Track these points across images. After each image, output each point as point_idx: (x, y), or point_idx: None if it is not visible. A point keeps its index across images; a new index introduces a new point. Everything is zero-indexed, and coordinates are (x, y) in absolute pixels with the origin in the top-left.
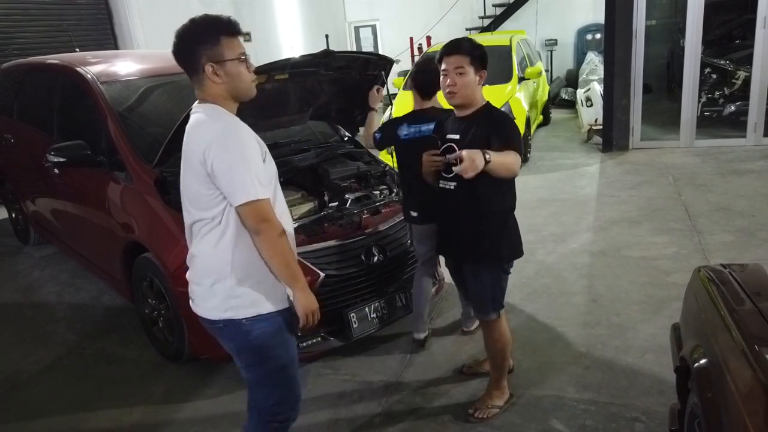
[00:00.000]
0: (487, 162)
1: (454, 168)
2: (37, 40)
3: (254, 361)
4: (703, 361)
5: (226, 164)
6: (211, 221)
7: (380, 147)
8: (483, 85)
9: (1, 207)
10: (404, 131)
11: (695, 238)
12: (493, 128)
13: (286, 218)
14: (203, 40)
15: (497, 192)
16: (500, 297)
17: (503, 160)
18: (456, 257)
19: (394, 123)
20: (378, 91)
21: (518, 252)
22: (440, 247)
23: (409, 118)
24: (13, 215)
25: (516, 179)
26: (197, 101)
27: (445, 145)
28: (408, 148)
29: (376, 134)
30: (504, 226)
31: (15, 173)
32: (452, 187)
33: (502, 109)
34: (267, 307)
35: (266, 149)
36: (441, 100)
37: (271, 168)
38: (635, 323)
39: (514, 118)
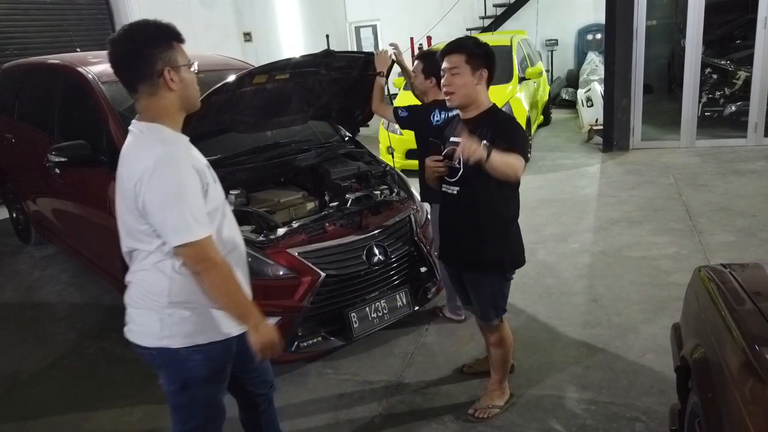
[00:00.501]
0: (488, 153)
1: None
2: (37, 40)
3: (181, 389)
4: (703, 361)
5: (158, 202)
6: (147, 251)
7: (403, 125)
8: (489, 85)
9: (2, 207)
10: (437, 117)
11: (696, 238)
12: (498, 130)
13: (239, 241)
14: (157, 43)
15: (500, 198)
16: (502, 303)
17: (505, 158)
18: (456, 264)
19: (425, 109)
20: (385, 53)
21: (520, 261)
22: (441, 253)
23: (439, 105)
24: (14, 215)
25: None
26: (137, 117)
27: (447, 149)
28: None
29: (401, 111)
30: (506, 234)
31: (16, 173)
32: (455, 192)
33: (503, 109)
34: (205, 337)
35: (209, 175)
36: None
37: (216, 197)
38: (636, 323)
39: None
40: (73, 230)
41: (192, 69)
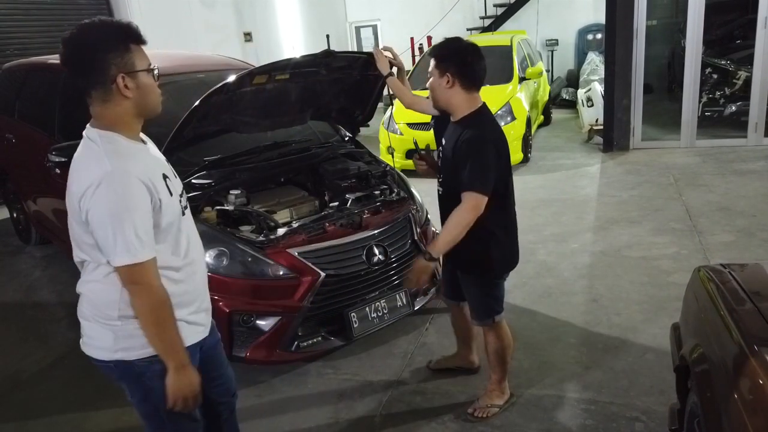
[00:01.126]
0: (432, 257)
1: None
2: (38, 40)
3: (143, 400)
4: (702, 360)
5: (101, 219)
6: (96, 262)
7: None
8: (467, 87)
9: (2, 207)
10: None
11: (696, 238)
12: (459, 156)
13: (197, 251)
14: (111, 47)
15: None
16: (495, 304)
17: (449, 229)
18: (450, 262)
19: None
20: (378, 51)
21: (511, 264)
22: None
23: None
24: (15, 215)
25: (516, 179)
26: (90, 122)
27: (423, 150)
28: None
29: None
30: (497, 237)
31: (16, 173)
32: (440, 192)
33: (503, 109)
34: None
35: (165, 189)
36: None
37: (171, 212)
38: (636, 323)
39: (515, 119)
40: None
41: (153, 73)
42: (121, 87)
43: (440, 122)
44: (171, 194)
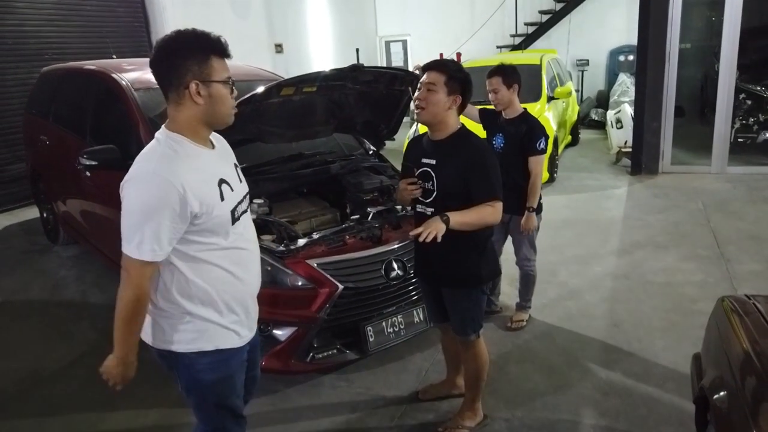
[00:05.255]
0: (447, 223)
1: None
2: (75, 46)
3: (193, 391)
4: (722, 393)
5: (127, 209)
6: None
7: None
8: (461, 111)
9: (33, 206)
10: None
11: (723, 266)
12: (470, 165)
13: (251, 253)
14: (191, 55)
15: None
16: (479, 318)
17: (473, 215)
18: (433, 280)
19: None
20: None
21: (496, 272)
22: (416, 268)
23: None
24: (44, 215)
25: (541, 199)
26: (165, 123)
27: (420, 170)
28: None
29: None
30: (483, 250)
31: (48, 174)
32: (429, 213)
33: None
34: (210, 344)
35: (216, 194)
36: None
37: (218, 215)
38: (657, 350)
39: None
40: (100, 232)
41: (229, 86)
42: (193, 93)
43: (487, 119)
44: (222, 199)
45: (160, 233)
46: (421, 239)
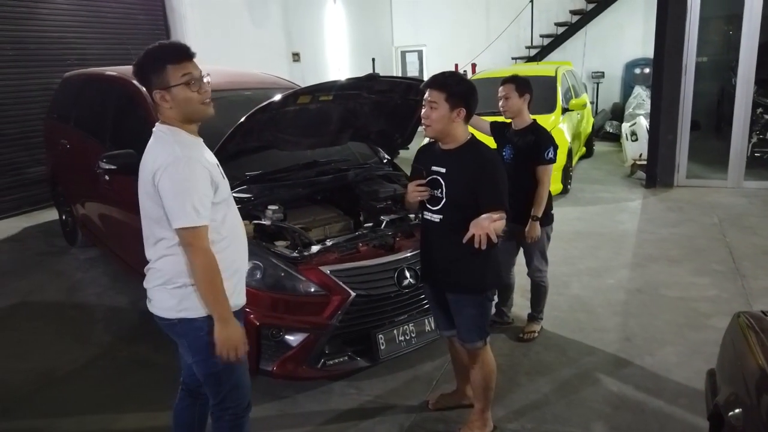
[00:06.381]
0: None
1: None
2: (96, 52)
3: (203, 356)
4: (737, 410)
5: (170, 190)
6: (170, 238)
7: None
8: (468, 120)
9: (51, 209)
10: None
11: (738, 281)
12: (482, 176)
13: (240, 230)
14: (150, 68)
15: None
16: (485, 325)
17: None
18: (439, 286)
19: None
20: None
21: (501, 279)
22: (422, 273)
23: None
24: (63, 217)
25: (554, 210)
26: (158, 120)
27: (430, 177)
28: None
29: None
30: (487, 256)
31: (67, 177)
32: (437, 220)
33: None
34: None
35: (219, 173)
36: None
37: (224, 190)
38: (669, 365)
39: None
40: (117, 235)
41: (190, 85)
42: (159, 100)
43: (497, 132)
44: (223, 177)
45: (204, 199)
46: (476, 245)
